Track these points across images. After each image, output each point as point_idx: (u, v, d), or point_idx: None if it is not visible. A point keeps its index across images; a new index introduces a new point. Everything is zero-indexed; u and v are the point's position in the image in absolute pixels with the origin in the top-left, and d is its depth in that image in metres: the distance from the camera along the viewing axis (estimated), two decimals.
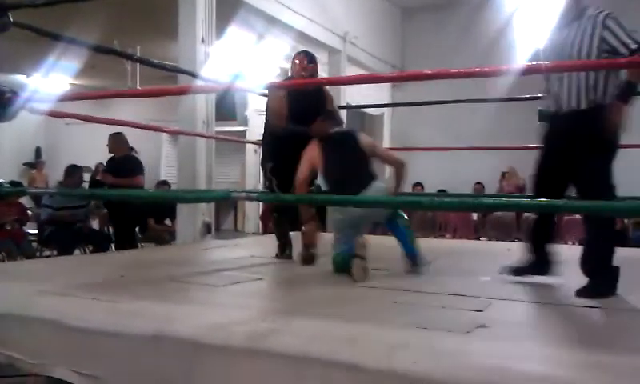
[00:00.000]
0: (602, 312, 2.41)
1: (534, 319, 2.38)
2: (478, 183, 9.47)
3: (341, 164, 3.56)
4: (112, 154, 6.64)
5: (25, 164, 14.56)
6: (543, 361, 1.68)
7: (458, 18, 10.28)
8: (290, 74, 4.15)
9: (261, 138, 4.32)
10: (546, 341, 1.97)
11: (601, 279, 2.74)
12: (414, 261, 3.47)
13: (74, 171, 6.78)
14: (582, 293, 2.66)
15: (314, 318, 2.13)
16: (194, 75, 5.02)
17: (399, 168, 3.87)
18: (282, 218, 4.19)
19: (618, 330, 2.19)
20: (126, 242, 6.25)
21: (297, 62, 3.96)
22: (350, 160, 3.61)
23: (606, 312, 2.42)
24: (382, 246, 4.87)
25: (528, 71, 2.66)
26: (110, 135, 6.58)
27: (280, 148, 3.95)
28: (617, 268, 2.77)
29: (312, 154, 3.61)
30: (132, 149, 7.12)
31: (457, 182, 9.07)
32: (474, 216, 8.92)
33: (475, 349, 1.77)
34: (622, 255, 2.80)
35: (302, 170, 3.59)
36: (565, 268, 3.03)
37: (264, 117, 4.15)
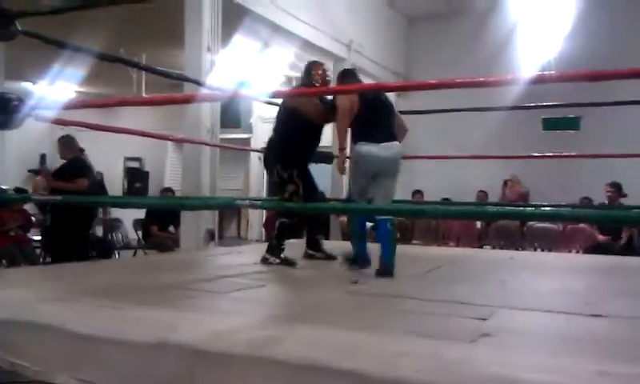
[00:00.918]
0: (608, 321, 2.40)
1: (539, 327, 2.37)
2: (482, 191, 9.46)
3: (374, 111, 3.90)
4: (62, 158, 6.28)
5: (29, 171, 14.62)
6: (549, 370, 1.67)
7: (462, 27, 10.31)
8: (313, 82, 4.33)
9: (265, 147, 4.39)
10: (552, 350, 1.96)
11: None
12: (384, 269, 3.53)
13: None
14: None
15: (316, 325, 2.13)
16: (199, 84, 5.04)
17: (404, 133, 4.19)
18: (293, 224, 4.41)
19: (626, 339, 2.17)
20: (72, 251, 5.70)
21: (320, 71, 4.33)
22: (383, 112, 3.97)
23: (613, 321, 2.41)
24: None
25: (533, 81, 2.66)
26: (58, 139, 6.30)
27: (301, 154, 4.28)
28: None
29: (353, 97, 3.89)
30: (82, 150, 6.75)
31: (460, 190, 9.07)
32: (478, 224, 8.91)
33: (479, 357, 1.76)
34: (631, 264, 2.79)
35: (344, 103, 3.85)
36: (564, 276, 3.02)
37: (281, 124, 4.33)
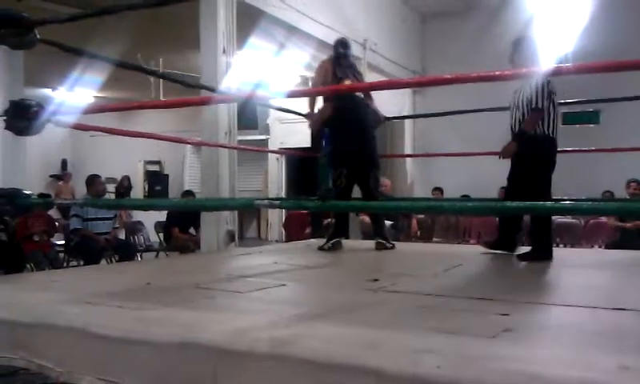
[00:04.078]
0: (631, 315, 2.37)
1: (561, 322, 2.35)
2: (503, 187, 9.36)
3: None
4: None
5: (51, 176, 14.82)
6: (570, 365, 1.65)
7: (477, 22, 10.24)
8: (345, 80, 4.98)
9: (283, 146, 4.61)
10: (575, 344, 1.94)
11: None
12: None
13: (93, 180, 6.90)
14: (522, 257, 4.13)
15: (337, 323, 2.13)
16: (213, 90, 5.08)
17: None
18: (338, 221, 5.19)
19: None
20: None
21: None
22: None
23: (636, 314, 2.38)
24: (406, 251, 4.87)
25: (550, 74, 2.64)
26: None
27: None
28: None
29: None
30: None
31: (480, 187, 9.01)
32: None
33: (501, 353, 1.75)
34: None
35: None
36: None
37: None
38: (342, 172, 5.03)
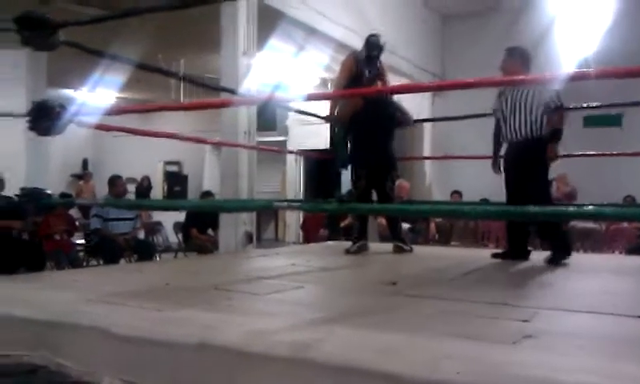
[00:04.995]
0: None
1: (582, 329, 2.31)
2: None
3: None
4: None
5: (72, 175, 14.98)
6: (591, 372, 1.63)
7: (498, 24, 10.16)
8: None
9: (301, 148, 4.61)
10: (595, 352, 1.91)
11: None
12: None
13: (114, 181, 6.97)
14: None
15: (355, 327, 2.13)
16: (234, 92, 5.10)
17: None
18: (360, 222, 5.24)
19: None
20: None
21: None
22: None
23: None
24: (424, 254, 4.85)
25: (573, 78, 2.61)
26: None
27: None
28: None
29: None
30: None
31: (499, 190, 8.93)
32: None
33: (522, 360, 1.73)
34: None
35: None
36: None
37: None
38: (361, 174, 5.03)
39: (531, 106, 4.13)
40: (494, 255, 4.59)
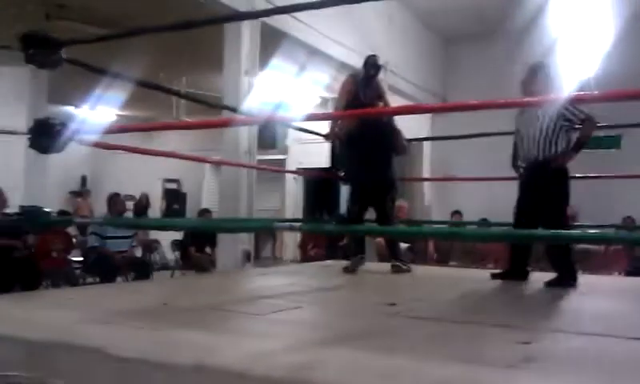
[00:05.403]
0: None
1: (585, 352, 2.29)
2: None
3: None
4: None
5: (71, 192, 14.95)
6: None
7: (500, 46, 10.21)
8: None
9: (300, 167, 4.64)
10: (599, 375, 1.89)
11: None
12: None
13: (114, 199, 6.97)
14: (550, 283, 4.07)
15: (354, 349, 2.10)
16: (235, 111, 5.12)
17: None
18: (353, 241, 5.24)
19: None
20: None
21: None
22: None
23: None
24: (423, 274, 4.83)
25: (574, 100, 2.61)
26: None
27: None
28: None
29: None
30: None
31: (500, 210, 8.92)
32: None
33: (522, 383, 1.71)
34: None
35: None
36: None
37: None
38: (356, 198, 5.04)
39: (541, 126, 4.05)
40: (494, 275, 4.55)
